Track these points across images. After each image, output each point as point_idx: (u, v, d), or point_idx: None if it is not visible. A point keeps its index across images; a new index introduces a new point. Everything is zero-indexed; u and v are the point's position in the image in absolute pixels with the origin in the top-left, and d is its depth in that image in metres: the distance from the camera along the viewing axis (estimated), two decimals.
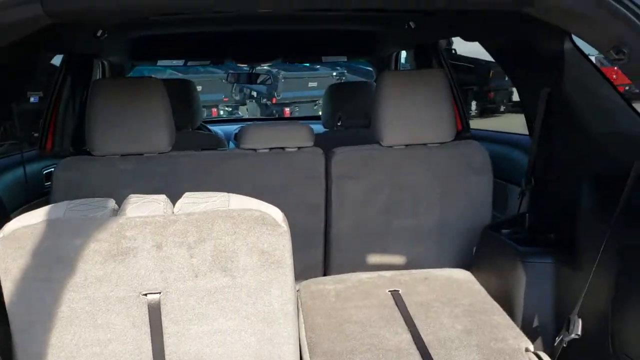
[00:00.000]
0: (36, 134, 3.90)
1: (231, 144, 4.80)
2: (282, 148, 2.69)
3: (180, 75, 9.61)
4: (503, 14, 2.22)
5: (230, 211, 1.57)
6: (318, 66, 12.53)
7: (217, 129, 5.31)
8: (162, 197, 1.63)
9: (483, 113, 15.62)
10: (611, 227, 1.80)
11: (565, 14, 1.58)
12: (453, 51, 9.81)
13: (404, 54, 4.53)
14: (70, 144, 3.73)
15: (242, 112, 13.93)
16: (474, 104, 15.46)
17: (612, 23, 1.49)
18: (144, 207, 1.57)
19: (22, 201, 2.97)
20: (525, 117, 2.73)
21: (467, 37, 2.94)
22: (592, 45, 1.61)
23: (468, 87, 14.57)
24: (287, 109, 13.26)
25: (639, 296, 1.72)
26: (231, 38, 3.92)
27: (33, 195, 3.10)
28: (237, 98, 14.03)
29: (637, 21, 1.44)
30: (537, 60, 2.43)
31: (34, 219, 1.52)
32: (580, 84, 2.27)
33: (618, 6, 1.46)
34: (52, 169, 3.43)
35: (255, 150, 2.68)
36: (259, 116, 12.42)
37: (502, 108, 15.82)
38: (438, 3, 1.70)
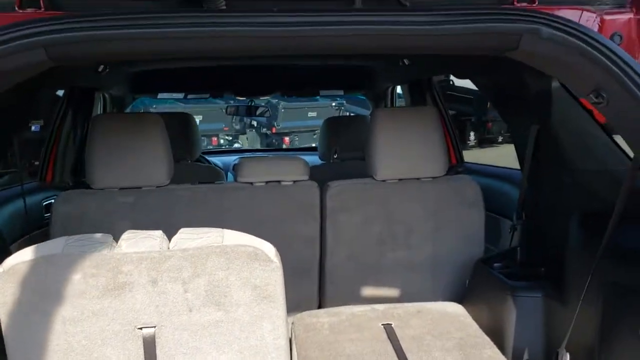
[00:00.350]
0: (36, 162, 3.95)
1: (230, 175, 4.86)
2: (278, 181, 2.74)
3: (181, 105, 9.73)
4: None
5: (224, 247, 1.61)
6: (317, 96, 12.66)
7: (216, 159, 5.38)
8: (159, 232, 1.67)
9: (481, 143, 15.73)
10: (596, 264, 1.85)
11: (548, 60, 1.65)
12: (451, 82, 9.93)
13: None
14: (70, 175, 3.79)
15: (242, 141, 14.04)
16: (472, 135, 15.57)
17: (592, 70, 1.56)
18: (140, 242, 1.61)
19: (22, 233, 3.01)
20: (516, 152, 2.79)
21: (459, 75, 3.02)
22: (572, 89, 1.67)
23: (466, 117, 14.70)
24: (286, 138, 13.38)
25: (623, 332, 1.76)
26: (230, 72, 4.00)
27: (32, 226, 3.14)
28: (237, 127, 14.14)
29: (615, 69, 1.51)
30: (526, 98, 2.50)
31: (33, 254, 1.57)
32: (568, 122, 2.34)
33: (598, 55, 1.53)
34: (52, 201, 3.48)
35: (252, 183, 2.73)
36: (258, 145, 12.53)
37: (500, 139, 15.93)
38: (429, 49, 1.78)
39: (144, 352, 1.61)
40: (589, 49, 1.52)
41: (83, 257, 1.56)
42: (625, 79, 1.50)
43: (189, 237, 1.65)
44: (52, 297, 1.55)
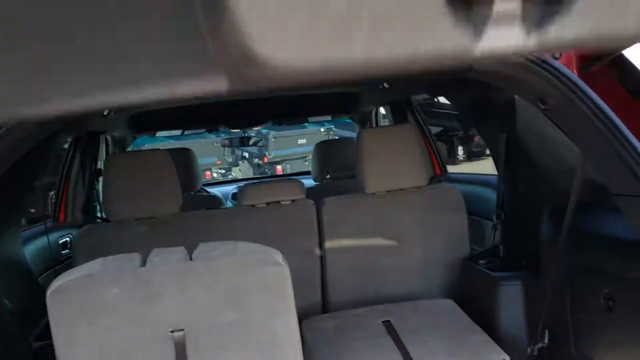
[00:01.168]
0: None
1: (228, 203, 5.12)
2: (278, 202, 3.01)
3: (171, 141, 9.97)
4: None
5: (239, 255, 1.88)
6: (306, 123, 12.95)
7: (215, 190, 5.65)
8: (181, 248, 1.94)
9: (470, 157, 16.02)
10: (560, 251, 2.13)
11: (498, 77, 1.95)
12: (436, 100, 10.25)
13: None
14: (81, 214, 4.03)
15: (235, 173, 14.25)
16: (460, 149, 15.88)
17: (535, 81, 1.86)
18: (167, 257, 1.88)
19: (46, 268, 3.26)
20: (492, 158, 3.09)
21: (433, 93, 3.33)
22: (522, 98, 1.97)
23: (454, 133, 15.04)
24: (278, 167, 13.62)
25: (587, 304, 2.03)
26: (224, 107, 4.28)
27: (54, 262, 3.39)
28: (230, 160, 14.37)
29: (554, 79, 1.82)
30: (493, 110, 2.80)
31: (76, 274, 1.83)
32: (531, 127, 2.64)
33: (539, 69, 1.83)
34: (67, 239, 3.74)
35: (254, 205, 3.00)
36: (252, 176, 12.79)
37: (488, 151, 16.23)
38: (396, 74, 2.07)
39: (176, 352, 1.86)
40: (531, 64, 1.82)
41: (120, 272, 1.83)
42: (562, 87, 1.80)
43: (208, 250, 1.92)
44: (96, 309, 1.80)
